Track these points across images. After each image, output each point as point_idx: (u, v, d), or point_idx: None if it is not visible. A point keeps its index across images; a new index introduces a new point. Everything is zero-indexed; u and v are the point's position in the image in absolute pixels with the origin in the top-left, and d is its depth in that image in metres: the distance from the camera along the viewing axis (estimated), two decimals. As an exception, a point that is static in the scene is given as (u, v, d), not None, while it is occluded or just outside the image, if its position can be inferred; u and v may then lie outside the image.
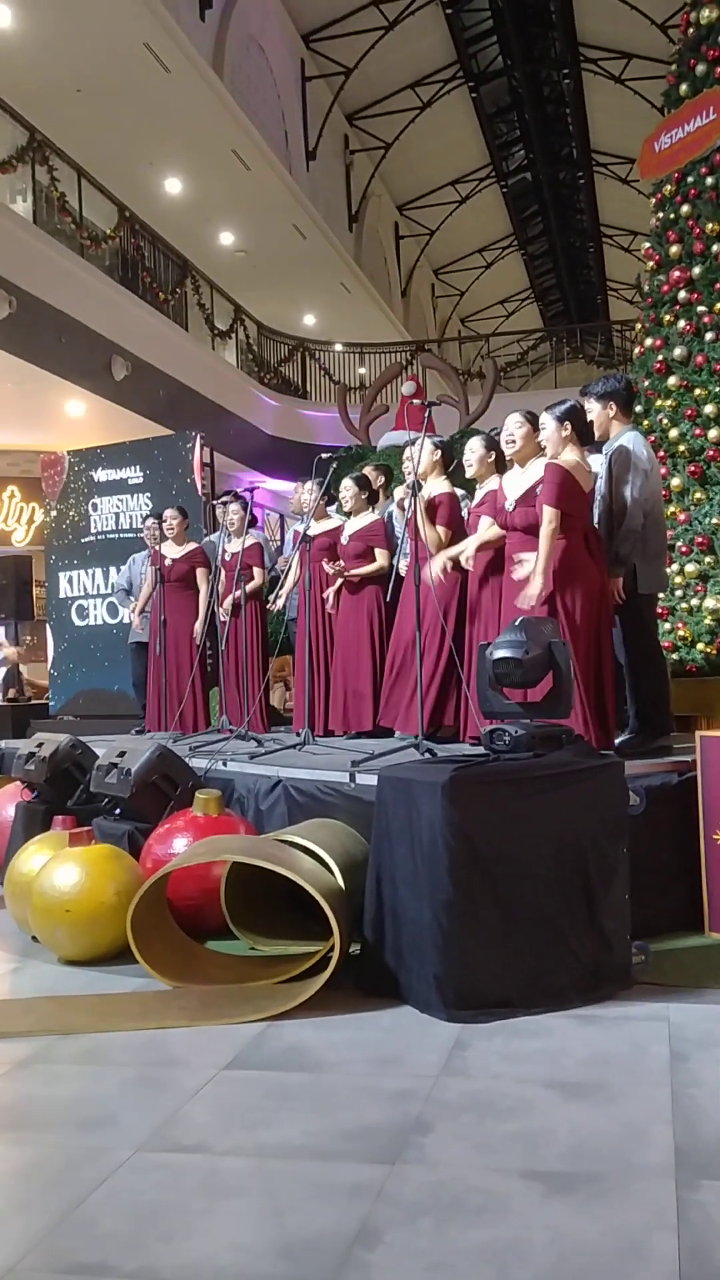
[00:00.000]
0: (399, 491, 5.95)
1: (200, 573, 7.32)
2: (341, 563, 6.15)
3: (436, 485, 5.68)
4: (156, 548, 7.43)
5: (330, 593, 6.29)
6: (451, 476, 5.79)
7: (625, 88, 18.95)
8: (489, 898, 3.43)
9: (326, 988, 3.51)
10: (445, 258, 27.69)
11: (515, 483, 4.92)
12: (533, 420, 4.88)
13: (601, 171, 23.62)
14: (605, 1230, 2.15)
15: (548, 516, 4.48)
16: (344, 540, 6.26)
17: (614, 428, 4.99)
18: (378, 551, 6.10)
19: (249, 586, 6.94)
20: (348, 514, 6.41)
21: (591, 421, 4.94)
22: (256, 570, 7.06)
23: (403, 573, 5.57)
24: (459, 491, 5.75)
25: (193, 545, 7.46)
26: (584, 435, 4.69)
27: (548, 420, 4.68)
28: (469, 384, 14.80)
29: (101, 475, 9.43)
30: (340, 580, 6.20)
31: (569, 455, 4.61)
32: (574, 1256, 2.07)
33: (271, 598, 6.99)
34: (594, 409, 4.99)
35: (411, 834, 3.56)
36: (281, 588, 6.86)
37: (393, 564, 5.89)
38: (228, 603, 7.01)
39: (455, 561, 5.29)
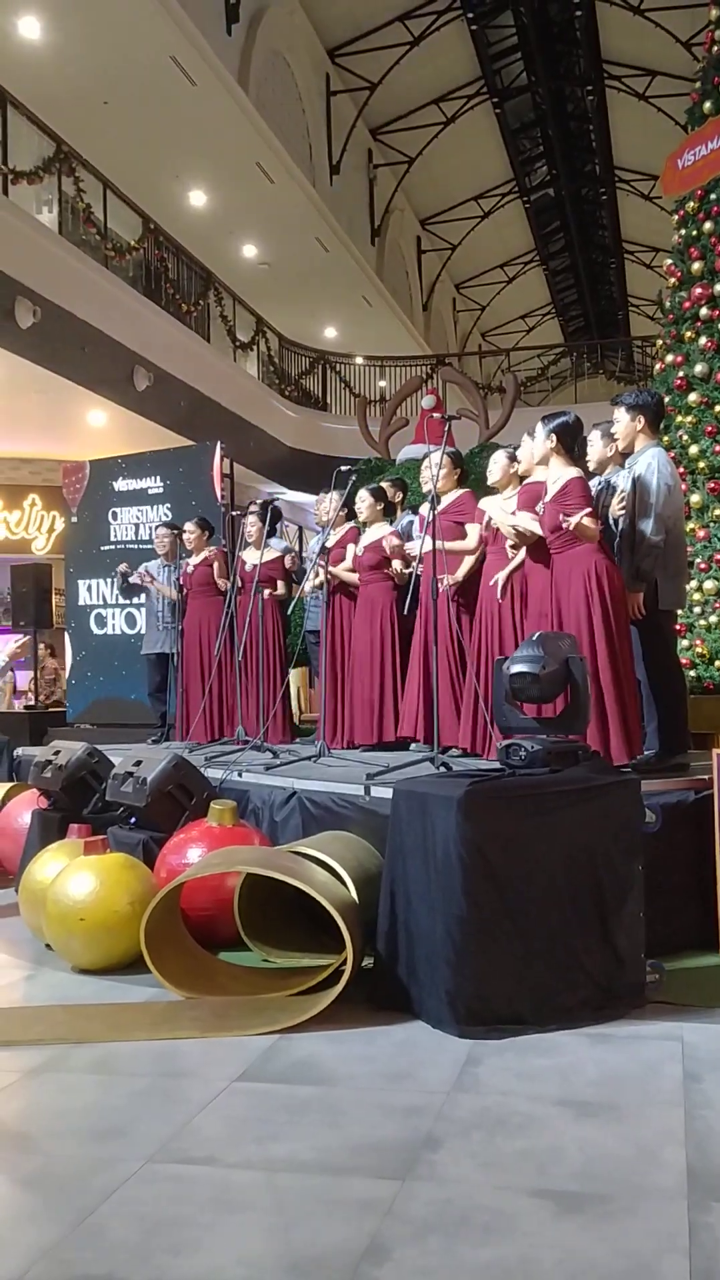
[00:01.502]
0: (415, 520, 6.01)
1: (216, 566, 7.36)
2: (398, 543, 6.08)
3: (453, 494, 5.74)
4: (185, 563, 7.52)
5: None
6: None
7: (649, 105, 18.95)
8: (502, 913, 3.42)
9: (338, 1001, 3.50)
10: (467, 272, 27.71)
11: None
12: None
13: (624, 188, 23.59)
14: (615, 1251, 2.14)
15: (591, 524, 4.49)
16: (359, 551, 6.28)
17: (639, 441, 4.98)
18: (394, 562, 6.12)
19: (267, 594, 6.95)
20: (363, 524, 6.42)
21: (598, 436, 4.98)
22: (279, 581, 7.08)
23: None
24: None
25: (210, 550, 7.51)
26: (571, 452, 4.70)
27: (539, 429, 4.76)
28: (489, 398, 14.79)
29: (122, 485, 9.48)
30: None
31: (559, 465, 4.64)
32: (583, 1277, 2.06)
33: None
34: (623, 419, 4.99)
35: (425, 848, 3.55)
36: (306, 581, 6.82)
37: (413, 572, 5.90)
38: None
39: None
